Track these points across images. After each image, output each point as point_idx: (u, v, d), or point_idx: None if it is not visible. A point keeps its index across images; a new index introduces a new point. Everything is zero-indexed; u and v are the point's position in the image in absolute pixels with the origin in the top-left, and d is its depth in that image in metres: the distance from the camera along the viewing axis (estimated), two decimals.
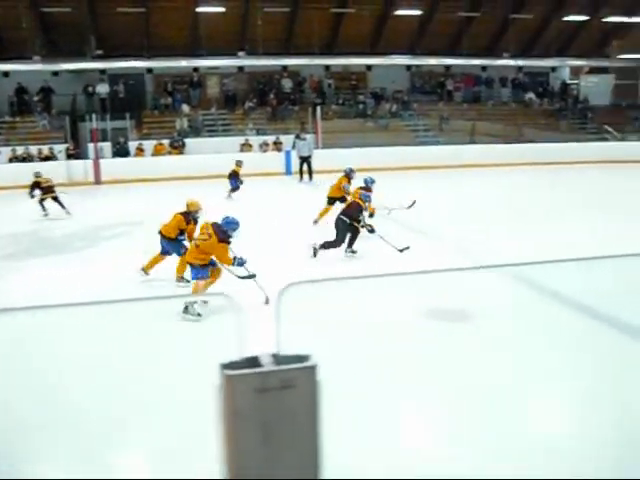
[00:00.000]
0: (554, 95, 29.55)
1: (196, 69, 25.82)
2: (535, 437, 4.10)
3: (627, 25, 29.24)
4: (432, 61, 27.54)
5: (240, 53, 24.64)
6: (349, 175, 12.22)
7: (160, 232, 8.09)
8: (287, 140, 22.80)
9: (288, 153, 21.80)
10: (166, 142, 22.62)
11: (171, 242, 8.04)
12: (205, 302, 6.77)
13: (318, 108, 23.31)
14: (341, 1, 25.25)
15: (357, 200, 9.59)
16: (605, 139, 26.46)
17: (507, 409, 4.37)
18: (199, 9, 23.73)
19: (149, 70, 25.53)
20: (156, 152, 22.42)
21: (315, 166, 20.14)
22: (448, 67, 28.76)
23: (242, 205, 11.63)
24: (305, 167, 20.16)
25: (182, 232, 8.02)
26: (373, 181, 11.07)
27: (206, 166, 20.59)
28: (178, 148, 22.65)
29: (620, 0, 27.55)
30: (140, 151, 22.24)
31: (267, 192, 15.91)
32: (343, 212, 9.53)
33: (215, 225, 6.98)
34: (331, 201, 11.99)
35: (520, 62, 28.75)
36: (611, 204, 14.03)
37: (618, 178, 19.78)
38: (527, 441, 3.99)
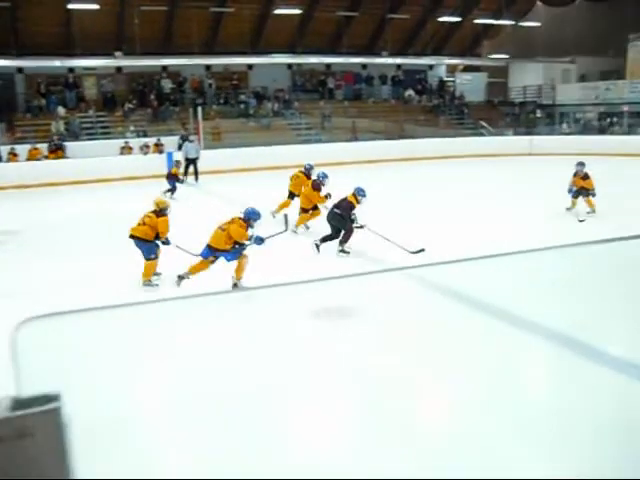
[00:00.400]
0: (432, 92, 30.67)
1: (72, 69, 24.88)
2: (424, 437, 4.11)
3: (496, 27, 30.85)
4: (313, 59, 27.97)
5: (117, 53, 23.99)
6: (308, 172, 12.42)
7: (134, 236, 7.98)
8: (168, 141, 22.38)
9: (170, 155, 21.35)
10: (43, 146, 21.61)
11: (147, 244, 7.98)
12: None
13: (199, 108, 22.99)
14: (220, 0, 25.09)
15: (351, 198, 9.66)
16: (481, 134, 27.70)
17: (395, 409, 4.31)
18: (71, 5, 22.82)
19: (19, 70, 24.33)
20: (31, 157, 21.38)
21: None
22: (329, 65, 29.26)
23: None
24: (191, 168, 19.86)
25: (157, 234, 8.03)
26: (325, 176, 11.28)
27: (88, 170, 19.97)
28: (56, 152, 21.70)
29: (488, 3, 29.05)
30: (13, 156, 21.13)
31: (155, 195, 15.53)
32: (336, 205, 9.70)
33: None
34: (291, 195, 12.31)
35: (398, 60, 29.72)
36: (502, 198, 14.65)
37: (499, 171, 20.65)
38: (412, 440, 3.99)
